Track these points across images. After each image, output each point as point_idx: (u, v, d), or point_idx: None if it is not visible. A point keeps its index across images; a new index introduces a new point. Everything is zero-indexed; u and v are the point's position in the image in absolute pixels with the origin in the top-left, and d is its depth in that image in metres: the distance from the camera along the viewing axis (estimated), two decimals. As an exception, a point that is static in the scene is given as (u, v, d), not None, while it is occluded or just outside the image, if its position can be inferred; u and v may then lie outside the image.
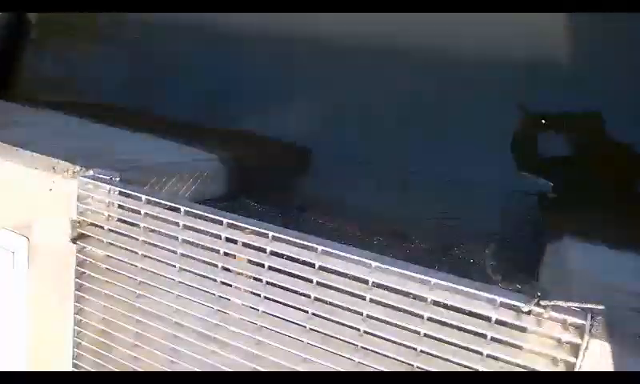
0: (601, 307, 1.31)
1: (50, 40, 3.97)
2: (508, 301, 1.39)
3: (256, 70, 3.21)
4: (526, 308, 1.37)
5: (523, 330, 1.40)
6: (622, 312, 1.35)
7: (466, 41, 2.67)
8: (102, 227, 2.01)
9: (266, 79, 3.18)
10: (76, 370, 2.15)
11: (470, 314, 1.45)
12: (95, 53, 3.77)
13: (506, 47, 2.62)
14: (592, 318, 1.31)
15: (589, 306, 1.33)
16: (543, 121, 2.59)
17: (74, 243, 2.04)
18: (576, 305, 1.35)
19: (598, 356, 1.30)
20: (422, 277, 1.49)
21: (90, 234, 2.03)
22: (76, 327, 2.13)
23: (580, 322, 1.32)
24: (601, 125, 2.49)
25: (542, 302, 1.36)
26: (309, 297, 1.65)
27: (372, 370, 1.57)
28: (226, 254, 1.77)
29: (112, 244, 1.99)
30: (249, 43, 3.19)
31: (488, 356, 1.43)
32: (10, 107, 3.42)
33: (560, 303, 1.35)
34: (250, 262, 1.75)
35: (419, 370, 1.50)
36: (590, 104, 2.51)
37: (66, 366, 2.17)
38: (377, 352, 1.57)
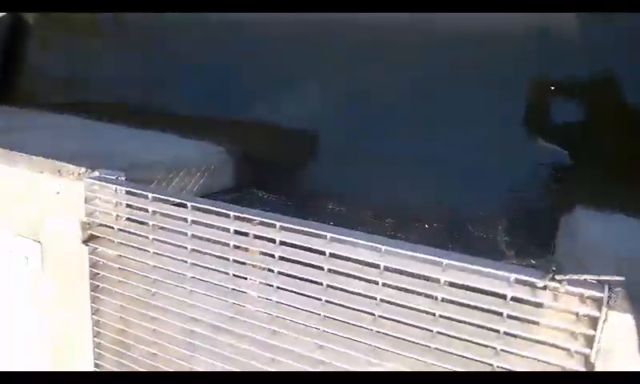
0: (618, 279, 1.28)
1: (49, 40, 3.96)
2: (522, 277, 1.37)
3: (259, 60, 3.18)
4: (541, 283, 1.34)
5: (540, 305, 1.37)
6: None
7: (465, 41, 2.63)
8: (111, 227, 2.01)
9: (268, 69, 3.14)
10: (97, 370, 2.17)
11: (485, 292, 1.42)
12: (94, 52, 3.75)
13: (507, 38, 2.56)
14: (609, 289, 1.28)
15: (606, 277, 1.30)
16: (552, 87, 2.54)
17: (86, 245, 2.05)
18: (593, 277, 1.32)
19: (616, 328, 1.28)
20: (434, 258, 1.47)
21: (100, 235, 2.03)
22: (94, 327, 2.15)
23: (597, 294, 1.29)
24: (614, 90, 2.43)
25: (558, 277, 1.32)
26: (321, 284, 1.63)
27: (388, 352, 1.57)
28: (235, 246, 1.76)
29: (123, 243, 1.99)
30: (250, 33, 3.15)
31: (505, 333, 1.41)
32: (10, 112, 3.44)
33: (576, 277, 1.32)
34: (261, 253, 1.74)
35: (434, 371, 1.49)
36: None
37: (88, 366, 2.19)
38: (393, 336, 1.56)
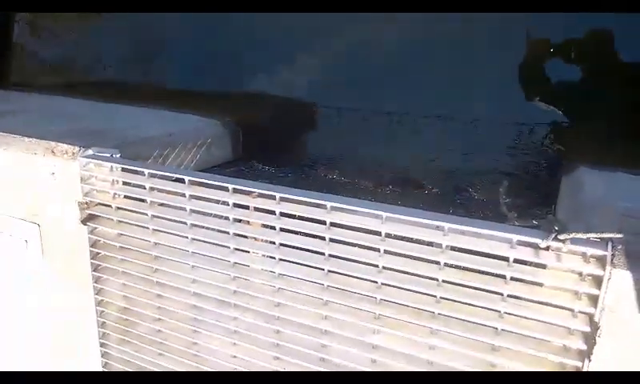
0: (620, 236, 1.27)
1: (37, 21, 3.89)
2: (524, 238, 1.35)
3: (252, 29, 3.12)
4: (543, 244, 1.33)
5: (543, 266, 1.36)
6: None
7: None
8: (109, 206, 1.99)
9: (261, 38, 3.09)
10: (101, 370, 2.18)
11: (487, 255, 1.41)
12: (82, 31, 3.69)
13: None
14: (613, 247, 1.27)
15: (608, 235, 1.29)
16: (551, 50, 2.51)
17: (85, 225, 2.03)
18: (595, 236, 1.30)
19: (619, 286, 1.27)
20: (435, 223, 1.45)
21: (99, 214, 2.02)
22: (98, 307, 2.15)
23: (601, 253, 1.28)
24: (612, 46, 2.39)
25: (560, 236, 1.31)
26: (323, 254, 1.62)
27: (392, 320, 1.57)
28: (235, 220, 1.75)
29: (122, 222, 1.98)
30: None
31: (509, 296, 1.41)
32: (1, 95, 3.40)
33: (579, 236, 1.31)
34: (262, 225, 1.73)
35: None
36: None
37: (93, 347, 2.20)
38: (396, 303, 1.55)
